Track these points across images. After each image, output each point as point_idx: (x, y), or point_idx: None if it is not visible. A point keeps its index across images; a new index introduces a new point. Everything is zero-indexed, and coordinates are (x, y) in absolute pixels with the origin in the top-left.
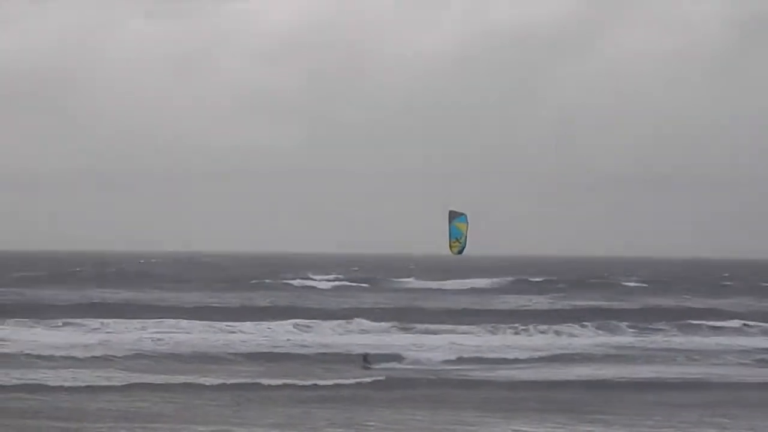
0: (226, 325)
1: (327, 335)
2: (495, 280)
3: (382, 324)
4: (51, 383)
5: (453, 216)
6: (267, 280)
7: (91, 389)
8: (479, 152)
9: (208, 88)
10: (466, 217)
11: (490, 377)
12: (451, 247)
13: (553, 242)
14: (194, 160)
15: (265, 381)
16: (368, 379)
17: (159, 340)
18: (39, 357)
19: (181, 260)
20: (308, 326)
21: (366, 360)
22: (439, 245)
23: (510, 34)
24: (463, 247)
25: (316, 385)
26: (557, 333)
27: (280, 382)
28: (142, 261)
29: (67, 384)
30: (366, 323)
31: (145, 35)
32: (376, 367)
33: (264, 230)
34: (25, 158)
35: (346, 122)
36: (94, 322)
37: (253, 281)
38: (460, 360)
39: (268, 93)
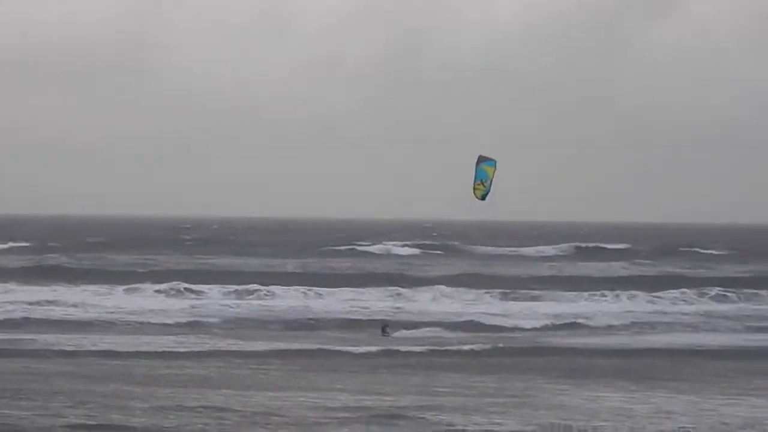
0: (314, 292)
1: (422, 303)
2: (569, 245)
3: (473, 291)
4: (127, 349)
5: (481, 159)
6: (342, 247)
7: (167, 355)
8: (555, 115)
9: (280, 56)
10: (495, 162)
11: (576, 344)
12: (474, 190)
13: (631, 208)
14: (263, 125)
15: (344, 348)
16: (470, 347)
17: (240, 306)
18: (120, 323)
19: (256, 226)
20: (399, 293)
21: (384, 330)
22: (496, 211)
23: None
24: (487, 192)
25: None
26: (651, 300)
27: (373, 349)
28: (215, 226)
29: (142, 349)
30: (448, 290)
31: (216, 4)
32: (395, 335)
33: (332, 196)
34: (100, 126)
35: (418, 85)
36: (177, 287)
37: (329, 248)
38: (552, 327)
39: (340, 58)
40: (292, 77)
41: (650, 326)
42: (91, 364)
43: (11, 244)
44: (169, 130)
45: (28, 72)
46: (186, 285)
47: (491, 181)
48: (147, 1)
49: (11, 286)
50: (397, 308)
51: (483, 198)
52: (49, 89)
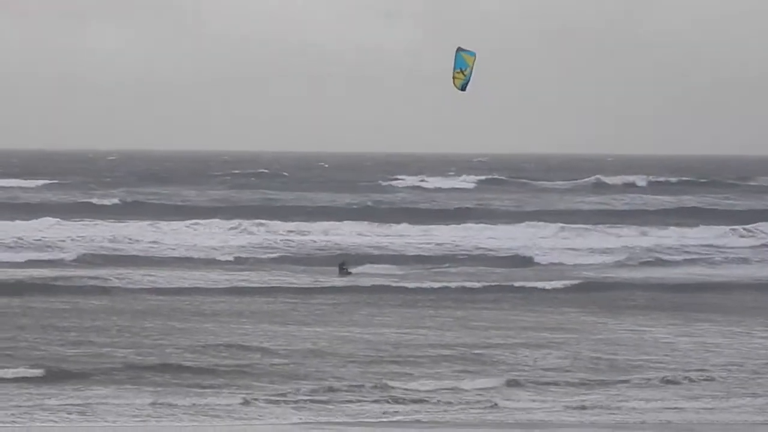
0: (376, 227)
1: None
2: (634, 177)
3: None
4: (176, 285)
5: (460, 49)
6: (399, 182)
7: (211, 291)
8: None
9: None
10: (474, 54)
11: (634, 279)
12: (454, 79)
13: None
14: (305, 62)
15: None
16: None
17: (282, 242)
18: (172, 259)
19: (304, 159)
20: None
21: (342, 267)
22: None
23: None
24: (467, 82)
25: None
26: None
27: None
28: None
29: (187, 285)
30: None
31: None
32: (354, 272)
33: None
34: (144, 62)
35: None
36: (231, 223)
37: (388, 182)
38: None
39: None
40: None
41: (708, 261)
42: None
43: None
44: (209, 66)
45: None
46: (258, 221)
47: (471, 70)
48: None
49: (100, 222)
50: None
51: (462, 88)
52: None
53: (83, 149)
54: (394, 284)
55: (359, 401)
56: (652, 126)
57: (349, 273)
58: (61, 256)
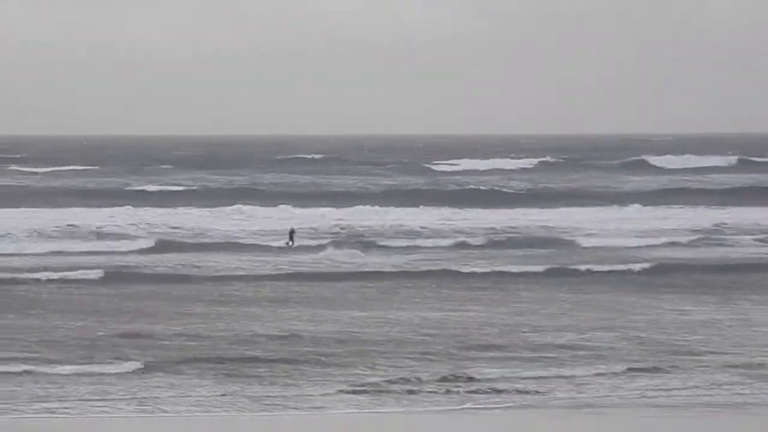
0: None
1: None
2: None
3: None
4: (215, 273)
5: None
6: (452, 165)
7: (246, 278)
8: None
9: None
10: None
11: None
12: None
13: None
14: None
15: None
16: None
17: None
18: (210, 245)
19: (350, 142)
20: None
21: (291, 237)
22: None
23: None
24: None
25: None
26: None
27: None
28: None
29: (218, 273)
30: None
31: None
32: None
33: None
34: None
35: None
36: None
37: (440, 166)
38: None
39: None
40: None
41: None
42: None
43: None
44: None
45: None
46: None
47: None
48: None
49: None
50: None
51: None
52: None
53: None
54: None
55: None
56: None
57: (291, 244)
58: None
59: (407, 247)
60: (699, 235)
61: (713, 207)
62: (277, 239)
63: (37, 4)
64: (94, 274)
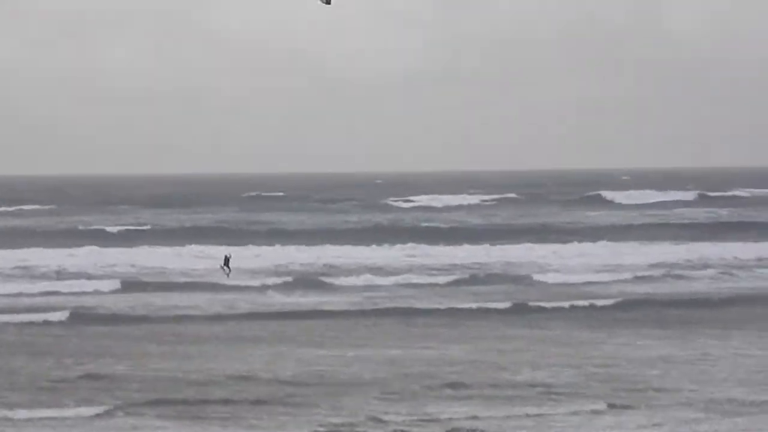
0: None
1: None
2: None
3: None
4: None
5: None
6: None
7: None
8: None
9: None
10: None
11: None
12: None
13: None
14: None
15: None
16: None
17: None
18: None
19: (314, 180)
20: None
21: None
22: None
23: None
24: None
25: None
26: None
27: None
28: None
29: (179, 312)
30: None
31: None
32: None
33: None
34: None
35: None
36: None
37: (385, 202)
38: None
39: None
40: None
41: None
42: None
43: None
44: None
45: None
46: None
47: None
48: None
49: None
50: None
51: (327, 1)
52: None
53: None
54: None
55: None
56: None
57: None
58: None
59: (367, 286)
60: (660, 270)
61: (675, 242)
62: (235, 278)
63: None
64: (59, 315)
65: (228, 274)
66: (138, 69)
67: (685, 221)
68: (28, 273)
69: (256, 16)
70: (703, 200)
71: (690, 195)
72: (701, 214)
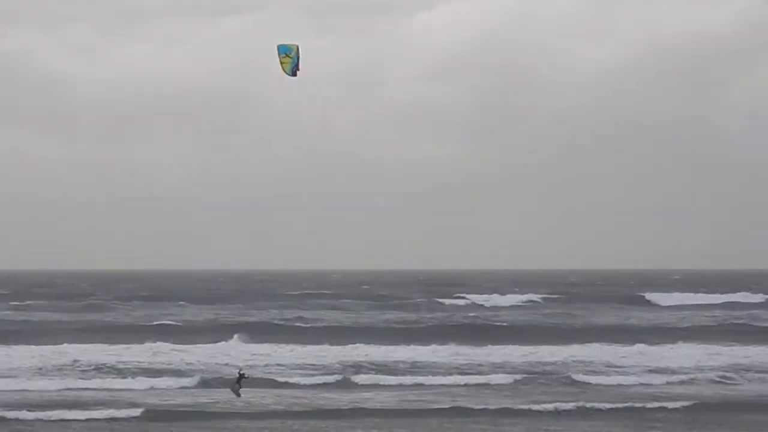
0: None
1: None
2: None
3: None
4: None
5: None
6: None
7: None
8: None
9: (375, 106)
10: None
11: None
12: (282, 65)
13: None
14: (365, 177)
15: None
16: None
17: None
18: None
19: (369, 278)
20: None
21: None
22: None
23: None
24: (295, 65)
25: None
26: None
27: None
28: (304, 284)
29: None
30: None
31: (316, 52)
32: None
33: (422, 247)
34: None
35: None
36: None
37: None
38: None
39: (432, 108)
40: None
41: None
42: None
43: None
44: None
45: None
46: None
47: (297, 54)
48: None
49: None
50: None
51: (293, 73)
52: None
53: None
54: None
55: None
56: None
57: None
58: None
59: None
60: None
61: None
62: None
63: None
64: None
65: (239, 394)
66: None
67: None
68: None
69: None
70: None
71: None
72: None
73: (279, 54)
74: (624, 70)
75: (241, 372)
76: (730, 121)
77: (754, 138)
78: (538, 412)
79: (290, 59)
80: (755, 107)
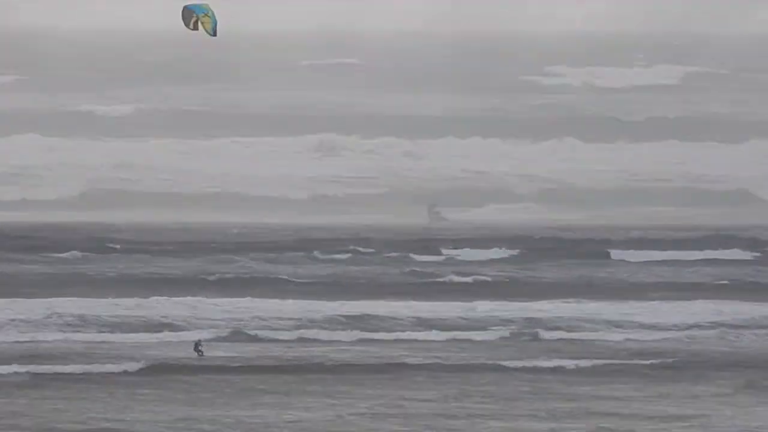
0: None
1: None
2: None
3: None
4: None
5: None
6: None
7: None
8: None
9: None
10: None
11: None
12: (203, 24)
13: None
14: None
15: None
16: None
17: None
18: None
19: None
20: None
21: (197, 348)
22: None
23: None
24: (215, 24)
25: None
26: None
27: None
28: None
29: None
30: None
31: None
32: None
33: None
34: None
35: None
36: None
37: None
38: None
39: None
40: None
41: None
42: None
43: None
44: None
45: None
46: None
47: (212, 12)
48: None
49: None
50: None
51: (214, 32)
52: None
53: None
54: None
55: None
56: None
57: (201, 352)
58: None
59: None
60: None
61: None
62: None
63: None
64: None
65: (201, 353)
66: None
67: None
68: None
69: None
70: None
71: None
72: None
73: (194, 11)
74: None
75: (197, 342)
76: None
77: None
78: (509, 368)
79: (210, 19)
80: None
